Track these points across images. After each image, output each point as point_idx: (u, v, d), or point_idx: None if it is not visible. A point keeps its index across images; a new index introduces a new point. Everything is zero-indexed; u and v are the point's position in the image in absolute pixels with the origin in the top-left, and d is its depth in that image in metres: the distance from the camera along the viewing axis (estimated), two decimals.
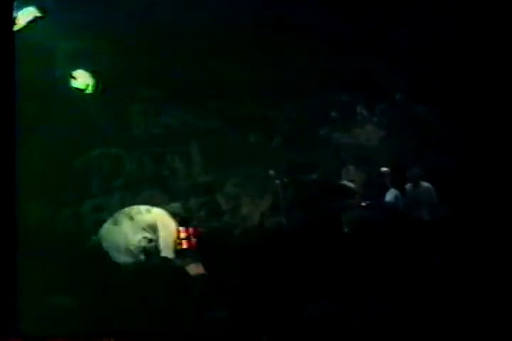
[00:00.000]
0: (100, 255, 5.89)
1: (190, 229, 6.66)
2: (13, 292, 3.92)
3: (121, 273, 5.71)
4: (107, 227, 6.45)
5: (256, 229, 7.81)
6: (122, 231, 6.30)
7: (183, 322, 4.92)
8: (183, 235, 6.58)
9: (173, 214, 6.70)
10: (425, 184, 8.34)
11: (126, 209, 6.66)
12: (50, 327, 4.55)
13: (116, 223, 6.44)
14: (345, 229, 6.95)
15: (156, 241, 6.30)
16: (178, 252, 6.34)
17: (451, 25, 8.04)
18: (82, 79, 7.70)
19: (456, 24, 8.02)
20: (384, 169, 8.56)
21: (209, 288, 5.23)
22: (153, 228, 6.42)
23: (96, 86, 7.76)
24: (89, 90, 7.76)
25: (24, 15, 6.63)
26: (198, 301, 5.12)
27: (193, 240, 6.62)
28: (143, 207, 6.68)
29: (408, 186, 8.41)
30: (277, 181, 8.30)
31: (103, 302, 5.01)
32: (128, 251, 6.15)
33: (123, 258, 6.10)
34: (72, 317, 4.72)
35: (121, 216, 6.52)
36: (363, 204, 7.93)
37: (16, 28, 6.22)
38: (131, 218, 6.47)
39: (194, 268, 6.13)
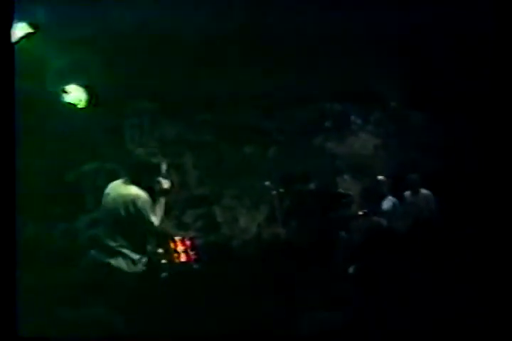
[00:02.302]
0: (97, 268, 5.83)
1: (188, 242, 6.62)
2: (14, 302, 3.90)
3: (119, 283, 5.66)
4: None
5: (253, 240, 7.78)
6: None
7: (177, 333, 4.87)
8: (180, 248, 6.53)
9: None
10: (425, 191, 8.31)
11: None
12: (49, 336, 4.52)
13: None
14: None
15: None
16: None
17: (445, 32, 8.06)
18: (74, 94, 7.66)
19: (449, 31, 8.05)
20: (380, 177, 8.55)
21: (206, 300, 5.18)
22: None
23: (89, 100, 7.72)
24: (83, 105, 7.72)
25: (16, 31, 6.61)
26: (194, 312, 5.07)
27: (191, 253, 6.57)
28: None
29: (407, 194, 8.38)
30: (274, 192, 8.27)
31: (103, 312, 4.96)
32: None
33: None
34: (73, 327, 4.69)
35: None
36: (361, 213, 7.90)
37: None
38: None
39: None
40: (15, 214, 3.96)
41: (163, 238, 6.88)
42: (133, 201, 5.64)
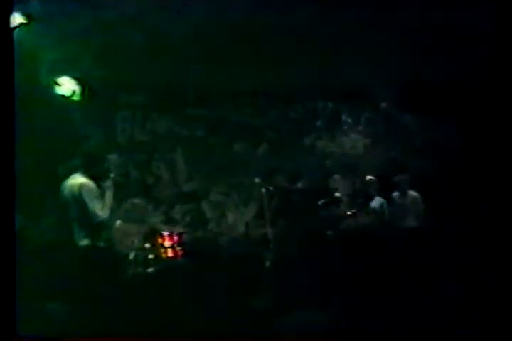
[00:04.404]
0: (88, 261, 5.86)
1: (175, 237, 6.62)
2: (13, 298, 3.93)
3: (113, 278, 5.68)
4: None
5: (241, 237, 7.78)
6: None
7: (168, 330, 4.89)
8: (167, 243, 6.54)
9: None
10: (413, 193, 8.35)
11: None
12: (44, 331, 4.55)
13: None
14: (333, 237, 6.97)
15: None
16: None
17: (435, 34, 8.07)
18: (67, 86, 7.64)
19: (440, 34, 8.06)
20: (370, 177, 8.58)
21: (192, 295, 5.20)
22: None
23: (81, 93, 7.70)
24: (75, 97, 7.70)
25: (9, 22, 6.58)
26: (179, 307, 5.09)
27: (178, 248, 6.57)
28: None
29: (395, 195, 8.42)
30: (263, 189, 8.28)
31: (96, 306, 4.99)
32: None
33: None
34: (66, 322, 4.71)
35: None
36: (349, 212, 7.93)
37: None
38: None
39: None
40: (14, 212, 3.99)
41: (151, 233, 6.91)
42: (79, 189, 5.97)
